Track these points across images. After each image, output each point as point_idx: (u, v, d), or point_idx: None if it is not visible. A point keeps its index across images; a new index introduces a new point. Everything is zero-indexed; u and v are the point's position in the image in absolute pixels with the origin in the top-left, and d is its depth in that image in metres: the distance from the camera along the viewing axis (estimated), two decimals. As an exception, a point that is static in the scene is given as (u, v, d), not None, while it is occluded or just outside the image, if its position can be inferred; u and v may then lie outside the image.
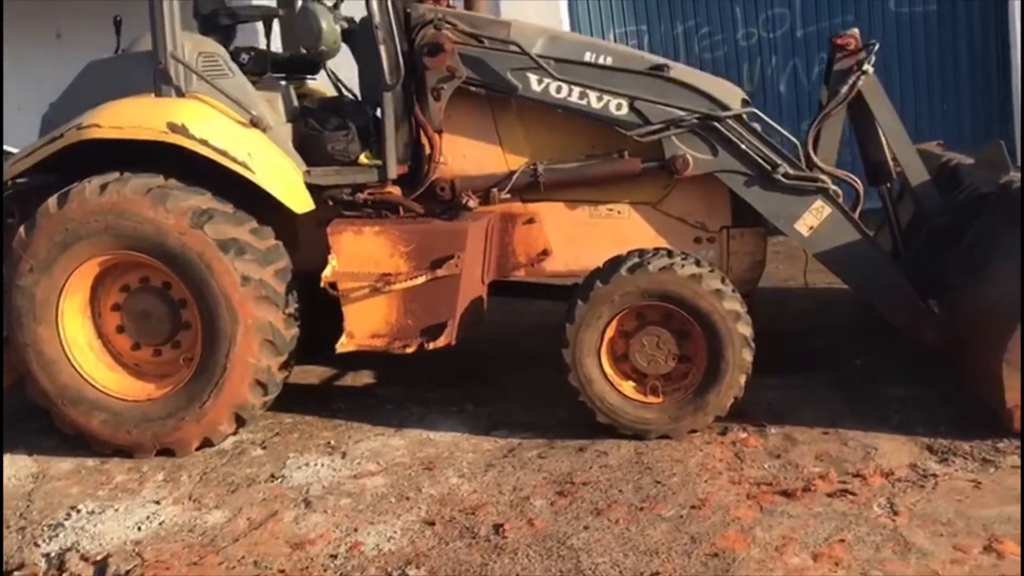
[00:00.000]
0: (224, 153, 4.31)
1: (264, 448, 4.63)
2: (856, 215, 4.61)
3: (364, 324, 4.50)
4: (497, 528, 3.64)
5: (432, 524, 3.73)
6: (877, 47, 4.63)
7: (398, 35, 4.49)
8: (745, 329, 4.16)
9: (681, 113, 4.46)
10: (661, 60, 4.64)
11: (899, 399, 4.46)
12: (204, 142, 4.29)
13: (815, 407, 4.47)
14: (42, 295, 4.43)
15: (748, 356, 4.17)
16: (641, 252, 4.28)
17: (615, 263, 4.25)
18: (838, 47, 4.65)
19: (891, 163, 4.89)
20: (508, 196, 4.70)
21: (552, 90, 4.54)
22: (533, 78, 4.54)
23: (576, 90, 4.52)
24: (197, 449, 4.56)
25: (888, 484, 3.69)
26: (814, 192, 4.45)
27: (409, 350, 4.43)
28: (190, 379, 4.45)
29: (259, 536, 3.77)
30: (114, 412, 4.51)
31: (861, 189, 4.67)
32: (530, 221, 4.80)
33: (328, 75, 4.77)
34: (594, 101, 4.52)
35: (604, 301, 4.18)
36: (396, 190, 4.68)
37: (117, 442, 4.53)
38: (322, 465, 4.37)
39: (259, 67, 5.04)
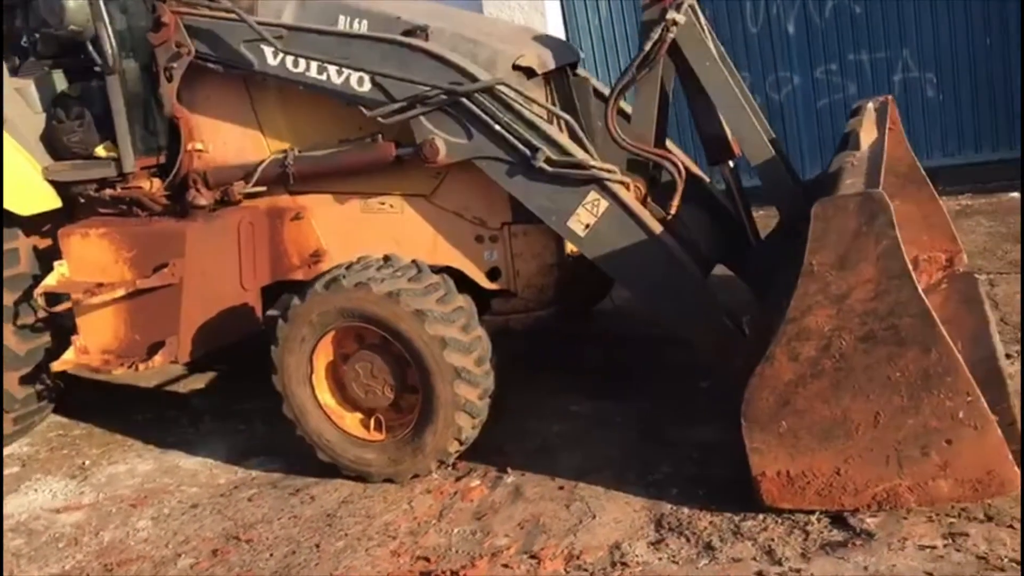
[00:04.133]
0: (-74, 153, 3.96)
1: (23, 466, 4.33)
2: (674, 207, 3.67)
3: (96, 339, 4.06)
4: (108, 595, 3.16)
5: (61, 582, 3.29)
6: (693, -10, 3.61)
7: (115, 13, 3.95)
8: (457, 359, 3.34)
9: (425, 89, 3.65)
10: (426, 22, 3.82)
11: (691, 445, 3.48)
12: (-93, 142, 3.96)
13: (583, 449, 3.61)
14: None
15: (466, 391, 3.36)
16: (352, 263, 3.55)
17: (318, 277, 3.55)
18: (643, -7, 3.66)
19: (730, 136, 3.86)
20: (261, 189, 4.08)
21: (289, 64, 3.84)
22: (268, 51, 3.86)
23: (314, 64, 3.80)
24: (-44, 464, 4.34)
25: (561, 574, 2.84)
26: (587, 182, 3.53)
27: (119, 371, 3.95)
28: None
29: None
30: None
31: (679, 174, 3.69)
32: (298, 217, 4.16)
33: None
34: (334, 76, 3.79)
35: (303, 322, 3.50)
36: (150, 184, 4.17)
37: None
38: (47, 491, 4.03)
39: (48, 50, 4.66)
